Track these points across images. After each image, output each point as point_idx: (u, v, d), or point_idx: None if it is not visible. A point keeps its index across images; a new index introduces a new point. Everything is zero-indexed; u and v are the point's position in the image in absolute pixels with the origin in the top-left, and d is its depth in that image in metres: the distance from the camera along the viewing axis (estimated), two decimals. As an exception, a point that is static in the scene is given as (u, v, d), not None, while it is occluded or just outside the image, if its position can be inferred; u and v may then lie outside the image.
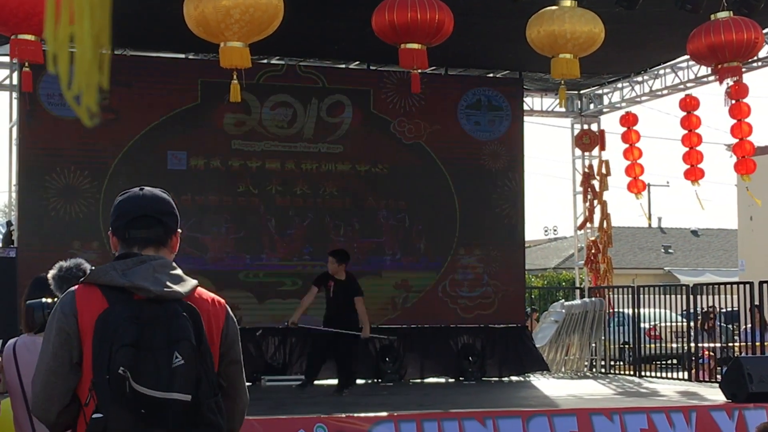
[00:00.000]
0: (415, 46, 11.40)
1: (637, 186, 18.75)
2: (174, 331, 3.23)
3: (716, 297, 16.71)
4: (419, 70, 12.14)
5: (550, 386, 15.65)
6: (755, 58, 15.01)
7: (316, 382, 15.71)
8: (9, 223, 15.52)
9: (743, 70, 13.16)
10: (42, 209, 15.06)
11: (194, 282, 3.42)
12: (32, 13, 10.03)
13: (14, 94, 15.44)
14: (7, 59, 15.10)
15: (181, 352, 3.21)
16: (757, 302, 15.17)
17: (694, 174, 17.32)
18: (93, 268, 3.92)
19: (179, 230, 3.60)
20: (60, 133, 15.01)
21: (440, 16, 11.28)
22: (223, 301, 3.51)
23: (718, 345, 17.66)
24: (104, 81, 1.79)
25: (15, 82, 15.04)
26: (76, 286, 3.39)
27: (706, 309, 16.95)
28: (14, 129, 15.40)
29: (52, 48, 1.88)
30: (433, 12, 11.23)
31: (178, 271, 3.41)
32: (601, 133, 19.25)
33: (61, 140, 15.10)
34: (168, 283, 3.32)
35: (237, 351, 3.49)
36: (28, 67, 11.66)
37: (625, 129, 18.88)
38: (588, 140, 19.15)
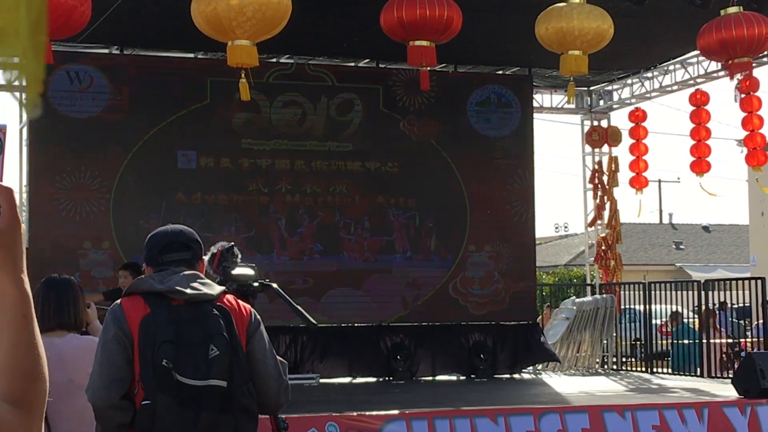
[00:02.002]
0: (424, 43, 11.39)
1: (639, 181, 18.72)
2: (209, 327, 3.78)
3: (728, 293, 16.66)
4: (428, 68, 12.12)
5: (562, 383, 15.63)
6: (766, 52, 14.97)
7: (327, 380, 15.75)
8: (20, 224, 15.54)
9: (754, 64, 13.12)
10: (52, 209, 15.08)
11: (222, 288, 4.00)
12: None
13: (23, 95, 15.44)
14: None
15: (216, 344, 3.75)
16: (768, 298, 15.13)
17: (700, 166, 17.26)
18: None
19: (204, 257, 4.21)
20: (70, 132, 15.05)
21: (449, 13, 11.26)
22: (248, 306, 4.03)
23: (727, 341, 17.62)
24: (40, 71, 1.77)
25: (25, 82, 15.05)
26: (121, 299, 3.94)
27: (707, 306, 16.87)
28: (24, 129, 15.43)
29: None
30: (442, 9, 11.22)
31: (207, 280, 3.99)
32: (615, 129, 19.20)
33: (71, 140, 15.13)
34: (199, 287, 3.88)
35: (262, 346, 3.94)
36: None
37: (633, 125, 18.86)
38: (598, 137, 19.12)
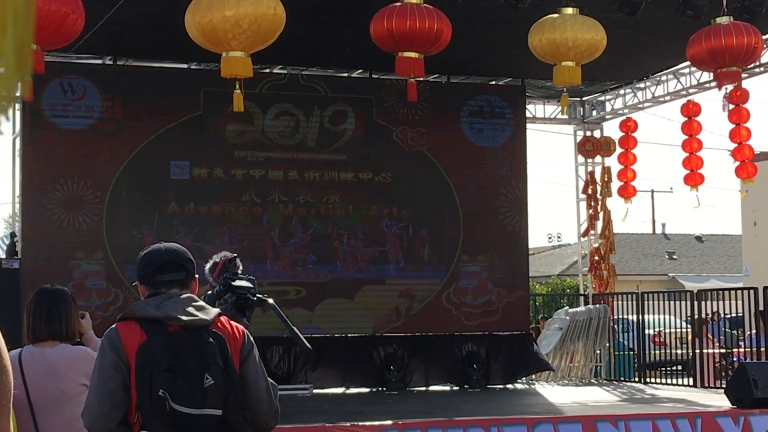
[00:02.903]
0: (412, 54, 11.41)
1: (627, 191, 18.77)
2: (205, 355, 3.83)
3: (721, 303, 16.68)
4: (416, 79, 12.15)
5: (555, 393, 15.63)
6: (756, 63, 15.03)
7: (320, 391, 15.75)
8: (13, 234, 15.54)
9: (744, 75, 13.16)
10: (45, 220, 15.07)
11: (216, 311, 4.02)
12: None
13: (17, 105, 15.47)
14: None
15: (212, 374, 3.81)
16: (761, 308, 15.15)
17: (693, 179, 17.31)
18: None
19: (197, 276, 4.19)
20: (63, 143, 15.05)
21: (439, 26, 11.28)
22: (241, 328, 4.06)
23: (720, 351, 17.63)
24: (25, 91, 1.80)
25: (18, 93, 15.05)
26: (117, 324, 3.96)
27: (699, 316, 16.88)
28: (17, 140, 15.42)
29: None
30: (432, 21, 11.24)
31: (201, 303, 4.01)
32: (608, 139, 19.24)
33: (65, 151, 15.12)
34: (195, 313, 3.92)
35: (254, 369, 4.00)
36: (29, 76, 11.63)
37: (623, 134, 18.92)
38: (591, 147, 19.16)
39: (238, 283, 4.42)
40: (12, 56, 1.74)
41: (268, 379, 4.07)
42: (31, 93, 12.21)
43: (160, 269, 4.06)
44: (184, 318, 3.89)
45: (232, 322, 4.08)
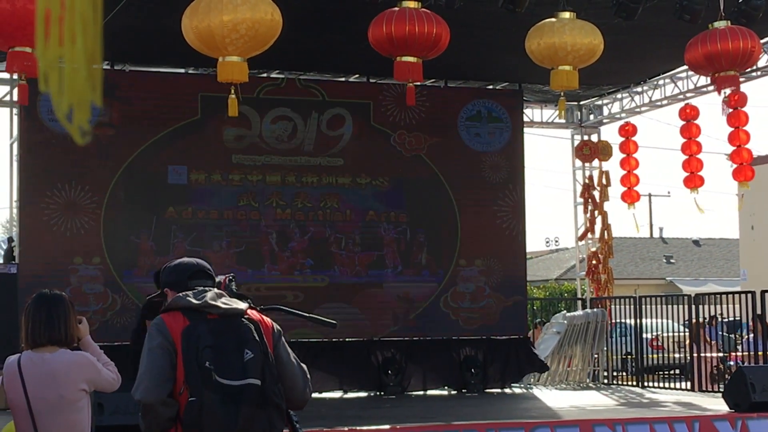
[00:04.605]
0: (411, 59, 11.40)
1: (631, 196, 18.76)
2: (242, 335, 4.27)
3: (718, 307, 16.70)
4: (414, 83, 12.15)
5: (553, 397, 15.64)
6: (754, 67, 15.04)
7: (318, 395, 15.73)
8: (10, 239, 15.54)
9: (742, 79, 13.16)
10: (43, 225, 15.07)
11: (247, 302, 4.47)
12: (27, 22, 9.94)
13: (15, 110, 15.48)
14: (7, 75, 15.15)
15: (250, 348, 4.24)
16: (759, 311, 15.17)
17: (693, 181, 17.31)
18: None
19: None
20: (60, 148, 15.03)
21: (437, 30, 11.28)
22: (269, 320, 4.50)
23: (718, 354, 17.64)
24: (97, 99, 1.80)
25: (15, 98, 15.08)
26: (161, 314, 4.38)
27: (697, 319, 16.90)
28: (15, 145, 15.42)
29: (43, 66, 1.89)
30: (431, 26, 11.24)
31: (231, 299, 4.46)
32: (605, 143, 19.24)
33: (62, 156, 15.11)
34: (230, 303, 4.38)
35: (287, 350, 4.47)
36: (25, 80, 11.62)
37: (623, 139, 18.92)
38: (588, 151, 19.16)
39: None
40: (84, 67, 1.75)
41: (300, 362, 4.49)
42: (26, 96, 12.19)
43: (194, 276, 4.56)
44: (222, 306, 4.32)
45: (261, 315, 4.50)
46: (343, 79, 17.31)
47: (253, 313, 4.45)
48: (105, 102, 15.49)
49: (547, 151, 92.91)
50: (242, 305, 4.42)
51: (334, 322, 5.23)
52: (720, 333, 18.63)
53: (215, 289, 4.49)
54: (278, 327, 4.50)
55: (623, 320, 18.47)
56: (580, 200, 19.34)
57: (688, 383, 16.79)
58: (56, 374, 5.02)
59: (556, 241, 51.42)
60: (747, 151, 16.34)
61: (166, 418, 4.21)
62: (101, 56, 1.86)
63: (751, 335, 16.04)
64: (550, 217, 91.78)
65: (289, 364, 4.44)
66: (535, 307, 23.20)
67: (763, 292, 15.10)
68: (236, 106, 11.53)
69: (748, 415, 11.41)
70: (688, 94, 17.76)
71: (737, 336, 18.93)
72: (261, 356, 4.26)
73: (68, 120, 1.99)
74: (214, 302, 4.35)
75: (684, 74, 17.54)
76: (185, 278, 4.55)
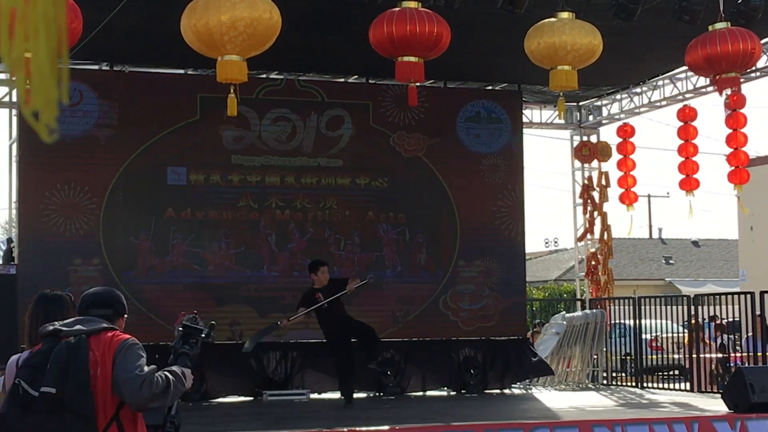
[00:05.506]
0: (412, 59, 11.41)
1: (629, 197, 18.75)
2: (58, 352, 4.55)
3: (717, 307, 16.70)
4: (416, 83, 12.15)
5: (552, 398, 15.64)
6: (754, 68, 15.04)
7: (316, 396, 15.73)
8: (9, 240, 15.53)
9: (742, 80, 13.17)
10: (42, 226, 15.06)
11: (103, 325, 4.74)
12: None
13: (14, 111, 15.48)
14: (6, 76, 15.14)
15: (56, 361, 4.50)
16: (758, 312, 15.17)
17: (689, 184, 17.31)
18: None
19: (125, 315, 5.02)
20: (60, 149, 15.01)
21: (438, 30, 11.29)
22: (120, 337, 4.73)
23: (717, 355, 17.64)
24: (64, 96, 1.80)
25: (15, 98, 15.07)
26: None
27: (696, 321, 16.89)
28: (14, 146, 15.42)
29: (8, 65, 1.88)
30: (432, 25, 11.25)
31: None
32: (605, 144, 19.24)
33: (61, 157, 15.10)
34: (70, 327, 4.69)
35: (125, 361, 4.63)
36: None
37: (621, 140, 18.92)
38: (587, 152, 19.16)
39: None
40: (47, 63, 1.74)
41: (146, 367, 4.64)
42: (28, 99, 12.17)
43: (91, 306, 4.86)
44: (64, 329, 4.65)
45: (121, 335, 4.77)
46: (342, 79, 17.32)
47: (107, 334, 4.71)
48: (104, 102, 15.54)
49: (546, 152, 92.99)
50: (92, 327, 4.69)
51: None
52: (719, 333, 18.62)
53: (80, 317, 4.81)
54: (131, 342, 4.72)
55: (622, 321, 18.47)
56: (580, 201, 19.34)
57: (688, 384, 16.79)
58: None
59: (556, 242, 51.47)
60: (744, 153, 16.33)
61: None
62: (67, 53, 1.84)
63: (750, 336, 16.03)
64: (550, 218, 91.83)
65: (124, 372, 4.63)
66: (534, 308, 23.19)
67: (762, 293, 15.10)
68: (235, 105, 11.54)
69: (747, 415, 11.42)
70: (687, 95, 17.76)
71: (736, 337, 18.93)
72: (65, 368, 4.52)
73: (35, 118, 1.99)
74: (66, 327, 4.68)
75: (683, 75, 17.55)
76: (84, 307, 4.90)
